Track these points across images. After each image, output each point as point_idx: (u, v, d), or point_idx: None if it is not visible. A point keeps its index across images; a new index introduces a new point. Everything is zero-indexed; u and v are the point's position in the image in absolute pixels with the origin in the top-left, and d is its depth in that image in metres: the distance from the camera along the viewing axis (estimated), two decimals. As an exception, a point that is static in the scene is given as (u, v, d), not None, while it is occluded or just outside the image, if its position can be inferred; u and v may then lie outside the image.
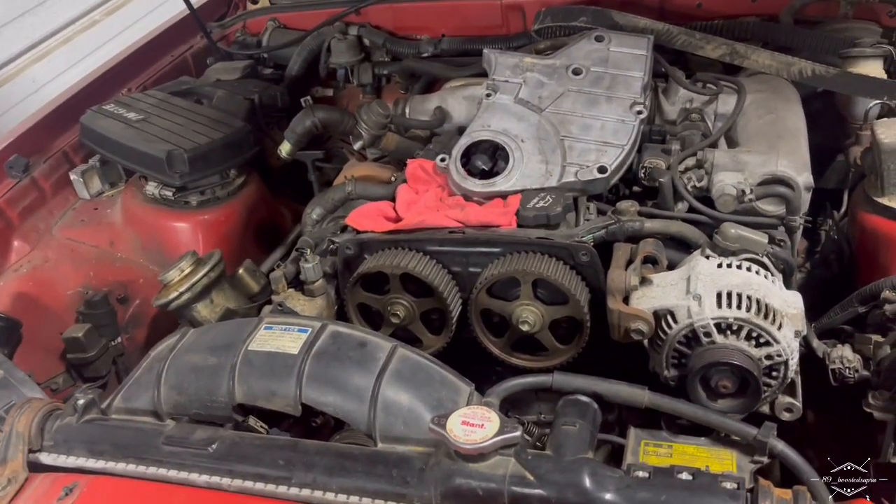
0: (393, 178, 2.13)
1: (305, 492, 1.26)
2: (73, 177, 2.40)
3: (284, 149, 2.27)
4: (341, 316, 1.82)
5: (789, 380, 1.43)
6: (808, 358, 1.60)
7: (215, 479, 1.31)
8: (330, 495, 1.25)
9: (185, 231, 2.30)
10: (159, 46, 2.90)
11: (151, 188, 2.33)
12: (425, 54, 2.61)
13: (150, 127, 2.33)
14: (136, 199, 2.37)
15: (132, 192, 2.39)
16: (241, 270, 1.99)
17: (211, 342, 1.48)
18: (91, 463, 1.39)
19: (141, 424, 1.45)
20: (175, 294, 1.83)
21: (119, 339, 2.19)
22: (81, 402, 1.44)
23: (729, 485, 1.15)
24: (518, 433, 1.19)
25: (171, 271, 1.86)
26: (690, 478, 1.17)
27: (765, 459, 1.26)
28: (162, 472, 1.34)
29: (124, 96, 2.58)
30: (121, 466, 1.36)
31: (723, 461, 1.27)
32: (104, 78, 2.68)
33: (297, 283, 1.85)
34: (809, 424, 1.80)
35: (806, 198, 1.71)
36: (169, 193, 2.30)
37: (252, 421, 1.46)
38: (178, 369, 1.45)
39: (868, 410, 1.45)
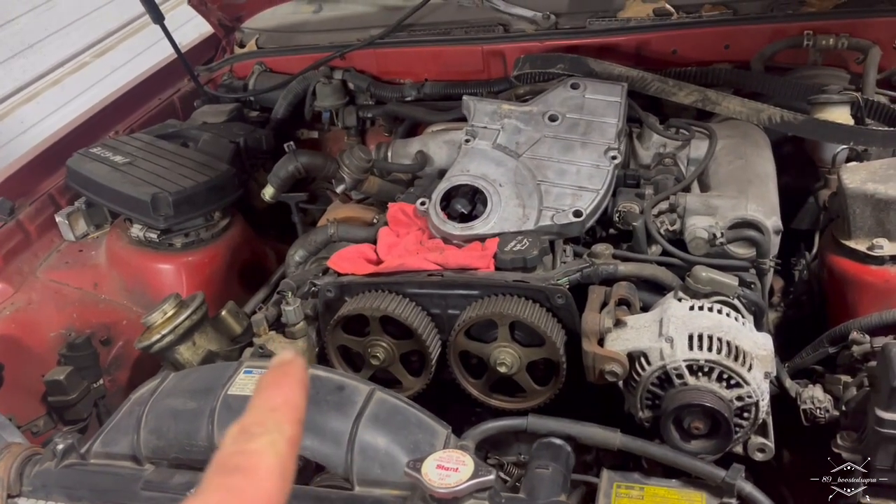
0: (375, 220, 2.16)
1: (283, 536, 1.26)
2: (58, 219, 2.41)
3: (268, 193, 2.30)
4: (322, 358, 1.84)
5: (761, 420, 1.45)
6: (783, 397, 1.63)
7: (193, 524, 1.31)
8: (307, 539, 1.26)
9: (169, 273, 2.32)
10: (147, 89, 2.93)
11: (136, 230, 2.34)
12: (408, 98, 2.65)
13: (135, 170, 2.35)
14: (121, 241, 2.38)
15: (117, 235, 2.41)
16: (223, 312, 2.01)
17: (191, 386, 1.49)
18: (69, 508, 1.39)
19: (120, 469, 1.45)
20: (157, 336, 1.85)
21: (101, 381, 2.19)
22: (60, 446, 1.45)
23: (698, 526, 1.18)
24: (492, 477, 1.21)
25: (153, 314, 1.88)
26: (661, 520, 1.20)
27: (734, 501, 1.28)
28: (140, 517, 1.35)
29: (111, 139, 2.60)
30: (99, 512, 1.37)
31: (693, 503, 1.29)
32: (91, 121, 2.70)
33: (278, 325, 1.87)
34: (785, 464, 1.82)
35: (775, 241, 1.75)
36: (153, 236, 2.32)
37: (231, 464, 1.47)
38: (157, 413, 1.46)
39: (836, 451, 1.47)
